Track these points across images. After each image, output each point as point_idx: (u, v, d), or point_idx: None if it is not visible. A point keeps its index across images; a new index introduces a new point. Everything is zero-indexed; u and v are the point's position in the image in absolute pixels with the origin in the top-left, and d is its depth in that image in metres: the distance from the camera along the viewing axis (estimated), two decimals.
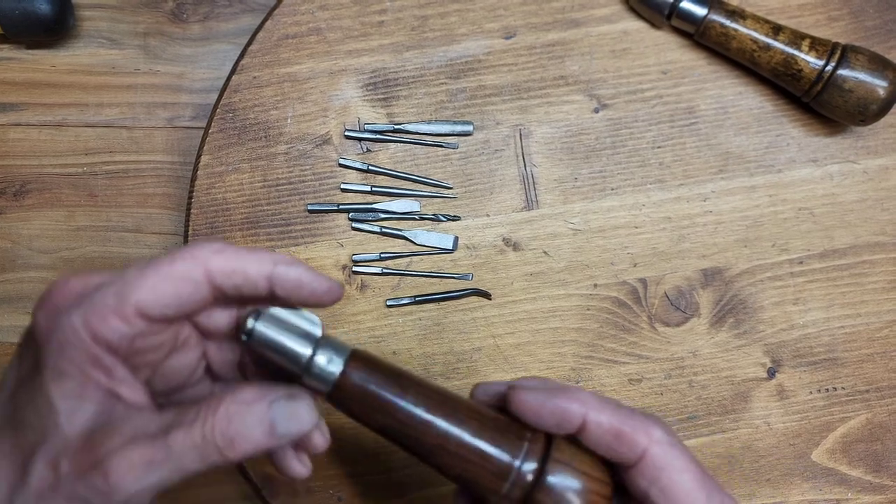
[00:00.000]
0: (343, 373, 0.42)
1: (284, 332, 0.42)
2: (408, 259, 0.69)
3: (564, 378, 0.69)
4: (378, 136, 0.69)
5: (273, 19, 0.70)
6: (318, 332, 0.43)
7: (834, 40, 0.67)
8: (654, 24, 0.71)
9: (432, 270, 0.69)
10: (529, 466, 0.42)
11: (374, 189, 0.68)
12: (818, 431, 0.69)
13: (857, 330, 0.70)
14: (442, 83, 0.70)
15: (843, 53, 0.65)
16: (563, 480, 0.41)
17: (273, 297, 0.41)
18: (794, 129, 0.71)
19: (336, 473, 0.68)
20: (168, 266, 0.38)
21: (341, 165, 0.69)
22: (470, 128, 0.69)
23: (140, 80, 0.74)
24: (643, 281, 0.69)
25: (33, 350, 0.37)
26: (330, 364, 0.42)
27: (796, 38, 0.66)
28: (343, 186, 0.68)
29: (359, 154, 0.69)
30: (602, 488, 0.42)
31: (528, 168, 0.70)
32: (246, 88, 0.69)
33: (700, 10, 0.67)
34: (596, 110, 0.70)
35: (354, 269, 0.68)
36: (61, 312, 0.36)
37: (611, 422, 0.41)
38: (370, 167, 0.69)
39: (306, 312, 0.43)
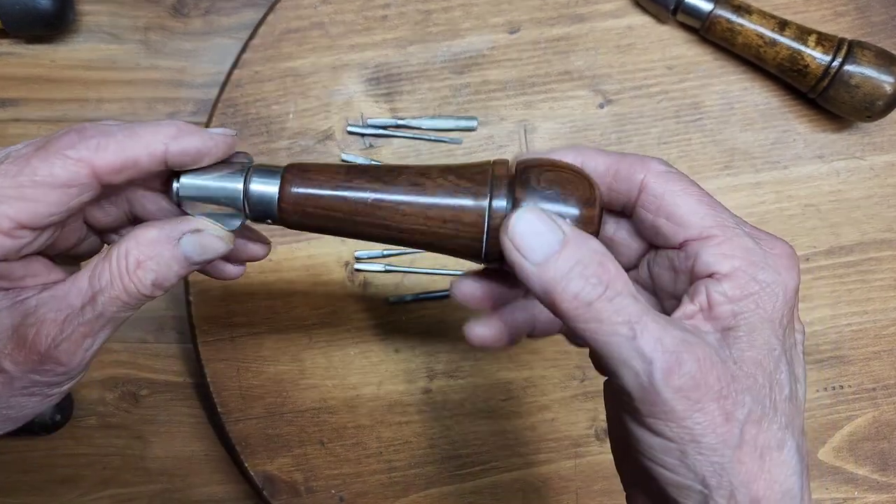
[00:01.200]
0: (281, 191, 0.39)
1: (211, 179, 0.39)
2: (410, 257, 0.68)
3: (569, 376, 0.68)
4: (381, 132, 0.68)
5: (275, 13, 0.69)
6: (244, 161, 0.41)
7: (840, 36, 0.66)
8: (659, 20, 0.70)
9: (435, 268, 0.68)
10: (500, 203, 0.38)
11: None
12: (824, 430, 0.69)
13: (863, 327, 0.69)
14: (446, 78, 0.69)
15: (850, 49, 0.65)
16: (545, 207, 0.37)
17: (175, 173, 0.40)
18: (800, 126, 0.71)
19: (337, 473, 0.67)
20: (47, 173, 0.36)
21: (344, 161, 0.68)
22: (474, 123, 0.69)
23: (140, 75, 0.73)
24: None
25: None
26: (266, 187, 0.39)
27: (802, 33, 0.66)
28: None
29: (361, 149, 0.69)
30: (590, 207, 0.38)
31: None
32: (247, 83, 0.69)
33: (706, 6, 0.67)
34: (601, 106, 0.70)
35: (357, 266, 0.68)
36: None
37: (607, 161, 0.40)
38: (373, 163, 0.68)
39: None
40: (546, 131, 0.69)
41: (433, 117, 0.69)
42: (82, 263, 0.44)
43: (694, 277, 0.38)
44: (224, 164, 0.40)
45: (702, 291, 0.37)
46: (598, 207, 0.38)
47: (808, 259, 0.69)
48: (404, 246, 0.41)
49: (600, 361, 0.35)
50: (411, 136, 0.69)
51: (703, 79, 0.70)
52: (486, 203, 0.38)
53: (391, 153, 0.69)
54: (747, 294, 0.36)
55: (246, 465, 0.67)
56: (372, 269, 0.68)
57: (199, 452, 0.72)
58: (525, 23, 0.70)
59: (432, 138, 0.69)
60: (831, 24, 0.71)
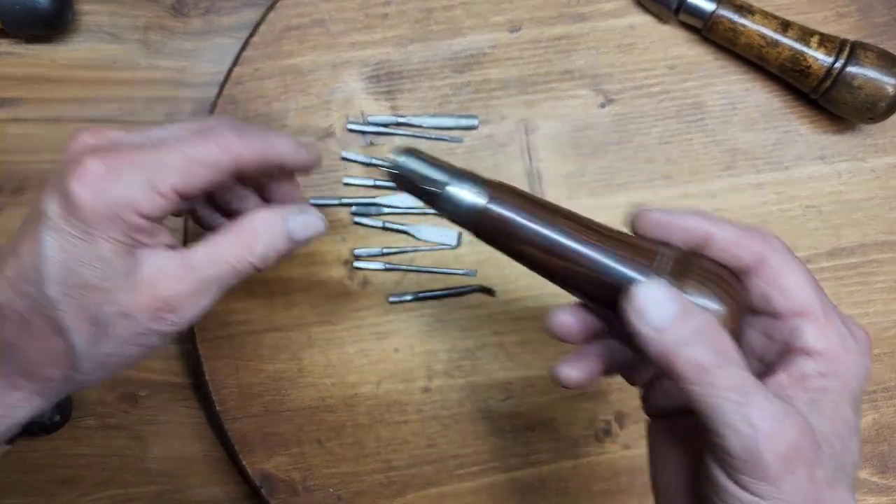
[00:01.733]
0: (488, 202, 0.43)
1: (428, 165, 0.45)
2: (410, 255, 0.68)
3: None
4: (381, 130, 0.68)
5: (276, 11, 0.69)
6: (454, 164, 0.45)
7: (842, 37, 0.66)
8: (661, 19, 0.70)
9: (435, 266, 0.68)
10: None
11: (376, 183, 0.68)
12: None
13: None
14: (446, 77, 0.69)
15: (852, 50, 0.65)
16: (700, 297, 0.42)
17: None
18: (802, 126, 0.70)
19: (335, 472, 0.67)
20: (201, 152, 0.45)
21: (344, 159, 0.68)
22: (475, 122, 0.69)
23: (140, 74, 0.73)
24: None
25: (76, 221, 0.42)
26: (472, 194, 0.43)
27: (805, 34, 0.66)
28: (345, 181, 0.68)
29: (362, 147, 0.69)
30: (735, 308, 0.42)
31: (533, 163, 0.69)
32: (248, 80, 0.69)
33: (708, 6, 0.67)
34: (602, 105, 0.70)
35: (356, 264, 0.68)
36: (105, 190, 0.42)
37: (734, 232, 0.44)
38: (373, 160, 0.68)
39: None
40: (547, 130, 0.69)
41: (434, 115, 0.69)
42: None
43: (790, 348, 0.42)
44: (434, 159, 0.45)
45: (797, 364, 0.41)
46: (739, 310, 0.42)
47: (808, 260, 0.69)
48: (543, 276, 0.46)
49: (703, 420, 0.39)
50: (412, 134, 0.69)
51: (705, 79, 0.70)
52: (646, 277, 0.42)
53: (391, 151, 0.69)
54: (836, 372, 0.41)
55: (244, 463, 0.67)
56: (371, 268, 0.68)
57: (198, 453, 0.72)
58: (526, 22, 0.70)
59: (433, 137, 0.69)
60: (834, 25, 0.71)
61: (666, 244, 0.44)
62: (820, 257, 0.69)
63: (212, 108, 0.69)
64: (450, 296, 0.68)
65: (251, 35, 0.69)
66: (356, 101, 0.69)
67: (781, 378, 0.41)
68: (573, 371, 0.47)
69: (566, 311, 0.48)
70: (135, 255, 0.44)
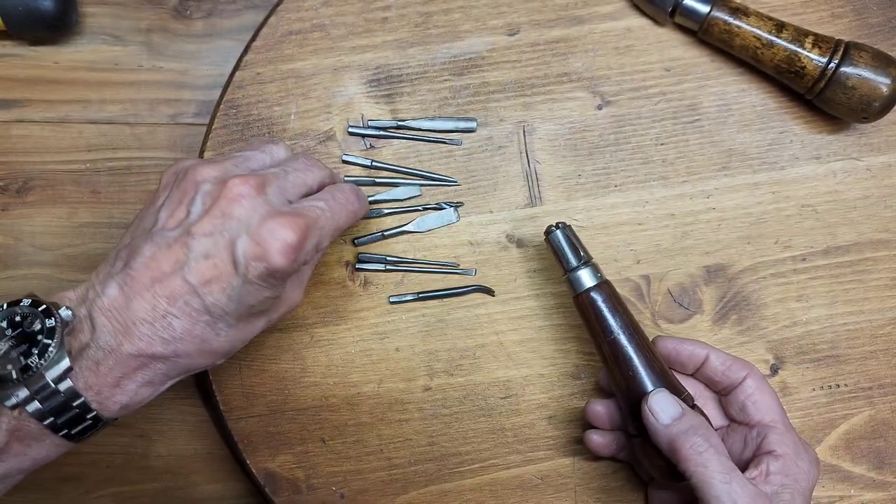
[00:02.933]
0: (587, 289, 0.60)
1: (569, 243, 0.61)
2: (411, 255, 0.69)
3: (567, 375, 0.69)
4: (381, 133, 0.69)
5: (276, 15, 0.70)
6: (588, 256, 0.61)
7: (837, 37, 0.67)
8: (657, 22, 0.71)
9: (435, 267, 0.69)
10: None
11: (377, 183, 0.68)
12: (821, 428, 0.69)
13: (860, 327, 0.70)
14: (445, 80, 0.70)
15: (847, 51, 0.65)
16: None
17: None
18: (797, 127, 0.71)
19: (338, 471, 0.68)
20: (345, 222, 0.57)
21: (345, 162, 0.69)
22: (473, 124, 0.69)
23: (143, 76, 0.74)
24: (646, 277, 0.69)
25: (268, 278, 0.51)
26: (584, 279, 0.60)
27: (799, 35, 0.66)
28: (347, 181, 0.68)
29: (362, 150, 0.69)
30: None
31: (531, 165, 0.70)
32: (249, 84, 0.69)
33: (703, 8, 0.67)
34: (599, 107, 0.70)
35: (357, 265, 0.68)
36: (296, 260, 0.51)
37: (724, 358, 0.61)
38: (374, 163, 0.69)
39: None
40: (545, 132, 0.70)
41: (433, 118, 0.69)
42: None
43: (759, 451, 0.57)
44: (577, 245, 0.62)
45: (764, 463, 0.56)
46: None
47: (804, 259, 0.70)
48: (601, 356, 0.61)
49: (697, 492, 0.52)
50: (411, 136, 0.69)
51: (701, 80, 0.71)
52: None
53: (391, 154, 0.69)
54: (792, 472, 0.55)
55: (248, 462, 0.67)
56: (372, 269, 0.68)
57: (201, 451, 0.72)
58: (524, 25, 0.70)
59: (432, 139, 0.69)
60: (829, 26, 0.71)
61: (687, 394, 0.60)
62: (815, 256, 0.70)
63: (213, 113, 0.69)
64: (450, 296, 0.69)
65: (252, 39, 0.69)
66: (356, 105, 0.69)
67: (753, 473, 0.55)
68: (599, 439, 0.64)
69: (599, 403, 0.63)
70: (286, 284, 0.55)
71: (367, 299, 0.68)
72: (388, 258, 0.68)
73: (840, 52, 0.65)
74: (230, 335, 0.52)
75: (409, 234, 0.69)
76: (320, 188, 0.57)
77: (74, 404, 0.48)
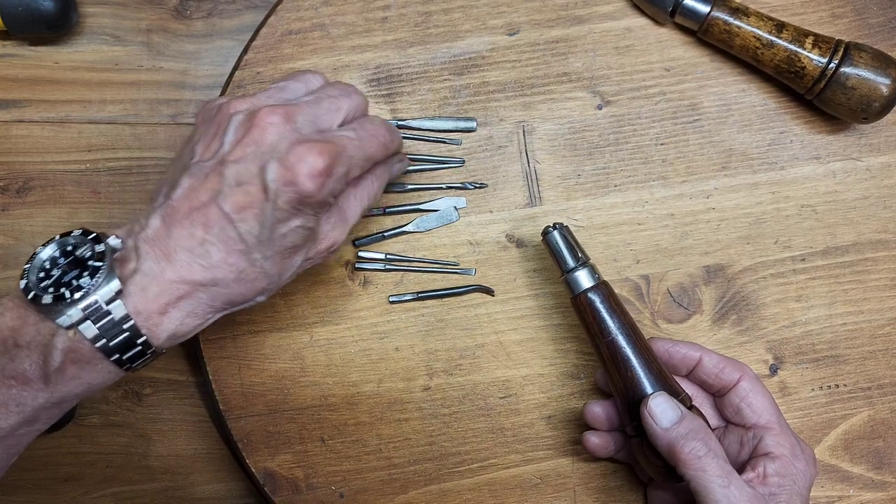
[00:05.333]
0: (585, 290, 0.60)
1: (564, 246, 0.61)
2: (411, 254, 0.69)
3: (567, 375, 0.69)
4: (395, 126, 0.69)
5: (276, 15, 0.70)
6: (586, 257, 0.61)
7: (837, 38, 0.67)
8: (657, 21, 0.71)
9: (435, 267, 0.69)
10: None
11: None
12: (820, 428, 0.69)
13: (859, 327, 0.70)
14: (445, 79, 0.70)
15: (847, 51, 0.65)
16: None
17: None
18: (797, 127, 0.71)
19: (337, 470, 0.68)
20: (375, 153, 0.57)
21: None
22: (473, 124, 0.69)
23: (143, 76, 0.74)
24: (646, 277, 0.69)
25: (297, 204, 0.51)
26: (582, 280, 0.60)
27: (799, 35, 0.66)
28: None
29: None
30: None
31: (531, 164, 0.70)
32: (249, 84, 0.69)
33: (703, 8, 0.67)
34: (599, 107, 0.70)
35: (357, 265, 0.68)
36: (324, 185, 0.51)
37: (718, 360, 0.62)
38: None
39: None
40: (545, 132, 0.70)
41: (433, 118, 0.69)
42: None
43: (756, 453, 0.58)
44: (576, 249, 0.61)
45: (760, 465, 0.56)
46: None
47: (804, 259, 0.70)
48: (599, 357, 0.61)
49: (696, 495, 0.53)
50: (412, 136, 0.69)
51: (701, 80, 0.71)
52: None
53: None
54: (789, 473, 0.56)
55: (247, 461, 0.67)
56: (372, 268, 0.69)
57: (201, 450, 0.72)
58: (524, 24, 0.70)
59: (432, 139, 0.69)
60: (829, 26, 0.71)
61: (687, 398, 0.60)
62: (815, 256, 0.70)
63: None
64: (450, 295, 0.69)
65: (252, 39, 0.70)
66: None
67: (750, 475, 0.56)
68: (597, 440, 0.64)
69: (597, 405, 0.64)
70: (320, 218, 0.55)
71: (367, 299, 0.69)
72: (388, 256, 0.68)
73: (840, 53, 0.65)
74: (266, 267, 0.53)
75: (409, 234, 0.69)
76: (355, 117, 0.57)
77: (125, 326, 0.49)
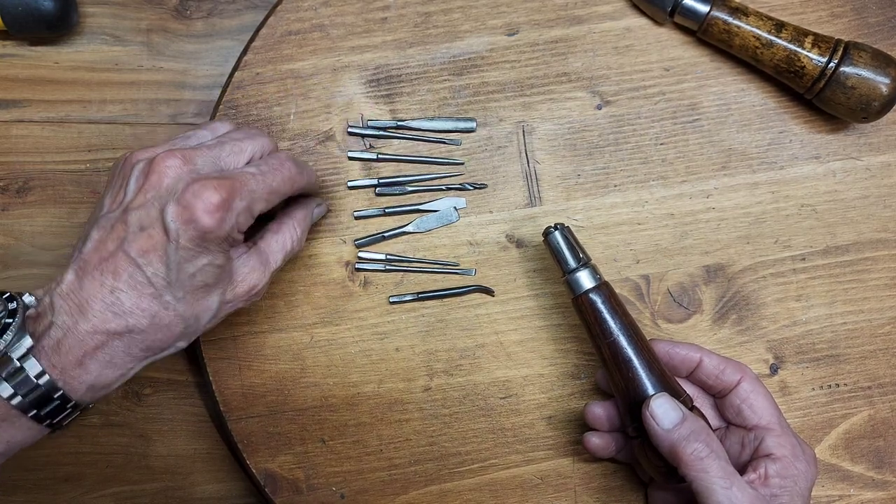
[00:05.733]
0: (586, 291, 0.60)
1: (567, 245, 0.61)
2: (411, 254, 0.69)
3: (567, 375, 0.69)
4: (381, 133, 0.69)
5: (276, 16, 0.70)
6: (587, 257, 0.61)
7: (837, 37, 0.67)
8: (656, 21, 0.71)
9: (435, 267, 0.69)
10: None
11: (380, 181, 0.69)
12: (820, 428, 0.69)
13: (859, 326, 0.70)
14: (445, 80, 0.70)
15: (846, 50, 0.65)
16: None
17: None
18: (797, 126, 0.71)
19: (338, 471, 0.68)
20: (280, 186, 0.57)
21: (351, 158, 0.69)
22: (473, 124, 0.69)
23: (143, 76, 0.74)
24: (646, 277, 0.69)
25: (200, 242, 0.51)
26: (583, 280, 0.60)
27: (799, 35, 0.66)
28: (350, 183, 0.69)
29: (362, 150, 0.69)
30: None
31: (531, 165, 0.70)
32: (249, 85, 0.69)
33: (703, 7, 0.67)
34: (599, 107, 0.70)
35: (357, 265, 0.68)
36: (225, 219, 0.52)
37: (718, 361, 0.62)
38: (379, 156, 0.69)
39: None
40: (544, 132, 0.70)
41: (432, 119, 0.69)
42: None
43: (757, 454, 0.58)
44: (576, 249, 0.61)
45: (762, 466, 0.57)
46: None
47: (804, 259, 0.70)
48: (601, 356, 0.61)
49: (698, 496, 0.53)
50: (411, 136, 0.69)
51: (701, 80, 0.71)
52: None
53: (391, 153, 0.69)
54: (790, 474, 0.56)
55: (248, 462, 0.67)
56: (372, 269, 0.69)
57: (201, 450, 0.72)
58: (523, 25, 0.70)
59: (432, 139, 0.69)
60: (828, 26, 0.71)
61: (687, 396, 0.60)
62: (815, 255, 0.70)
63: (213, 114, 0.69)
64: (450, 296, 0.69)
65: (251, 40, 0.69)
66: (356, 105, 0.69)
67: (751, 476, 0.56)
68: (598, 440, 0.64)
69: (598, 405, 0.64)
70: (230, 257, 0.56)
71: (367, 299, 0.69)
72: (388, 257, 0.68)
73: (839, 52, 0.65)
74: (179, 309, 0.53)
75: (409, 235, 0.69)
76: (262, 157, 0.58)
77: (41, 382, 0.49)
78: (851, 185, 0.71)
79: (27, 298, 0.51)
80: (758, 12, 0.67)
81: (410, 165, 0.69)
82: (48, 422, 0.51)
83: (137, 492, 0.72)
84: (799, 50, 0.66)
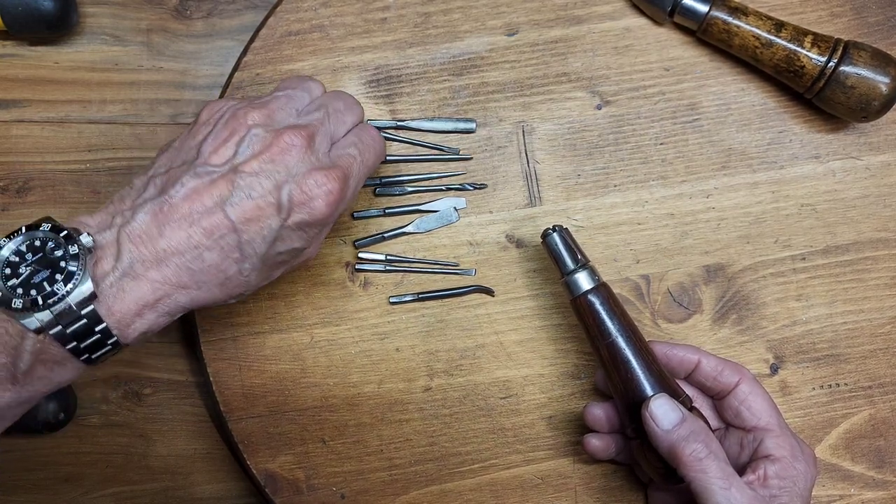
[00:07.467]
0: (585, 292, 0.60)
1: (563, 247, 0.61)
2: (411, 254, 0.69)
3: (567, 375, 0.69)
4: (381, 133, 0.69)
5: (276, 16, 0.70)
6: (585, 259, 0.61)
7: (836, 36, 0.67)
8: (656, 21, 0.71)
9: (435, 267, 0.69)
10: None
11: (382, 181, 0.69)
12: (821, 427, 0.69)
13: (859, 326, 0.70)
14: (445, 80, 0.70)
15: (846, 50, 0.65)
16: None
17: None
18: (797, 126, 0.71)
19: (338, 471, 0.68)
20: (374, 164, 0.59)
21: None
22: (473, 125, 0.69)
23: (143, 76, 0.74)
24: (646, 277, 0.69)
25: (304, 225, 0.53)
26: (582, 282, 0.60)
27: (798, 34, 0.66)
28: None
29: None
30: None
31: (530, 165, 0.70)
32: (249, 85, 0.69)
33: (702, 7, 0.67)
34: (598, 107, 0.70)
35: (357, 266, 0.68)
36: (335, 211, 0.53)
37: (716, 363, 0.61)
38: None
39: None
40: (544, 133, 0.70)
41: (432, 119, 0.69)
42: None
43: (756, 455, 0.58)
44: (573, 248, 0.61)
45: (761, 467, 0.57)
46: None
47: (804, 258, 0.70)
48: (598, 357, 0.61)
49: (697, 497, 0.53)
50: (411, 140, 0.69)
51: (700, 80, 0.71)
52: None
53: (391, 153, 0.69)
54: (789, 475, 0.56)
55: (248, 463, 0.67)
56: (372, 269, 0.69)
57: (201, 450, 0.72)
58: (523, 25, 0.70)
59: (431, 144, 0.69)
60: (828, 25, 0.71)
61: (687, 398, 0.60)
62: (815, 255, 0.70)
63: None
64: (450, 296, 0.69)
65: (251, 40, 0.70)
66: None
67: (750, 477, 0.56)
68: (598, 442, 0.63)
69: (597, 407, 0.64)
70: (316, 237, 0.56)
71: (368, 300, 0.69)
72: (388, 257, 0.68)
73: (839, 52, 0.65)
74: (251, 277, 0.53)
75: (409, 235, 0.69)
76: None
77: (97, 329, 0.48)
78: (851, 184, 0.71)
79: (85, 239, 0.49)
80: (757, 12, 0.67)
81: (410, 165, 0.69)
82: (93, 363, 0.50)
83: (137, 492, 0.72)
84: (798, 49, 0.66)
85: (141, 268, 0.49)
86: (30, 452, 0.72)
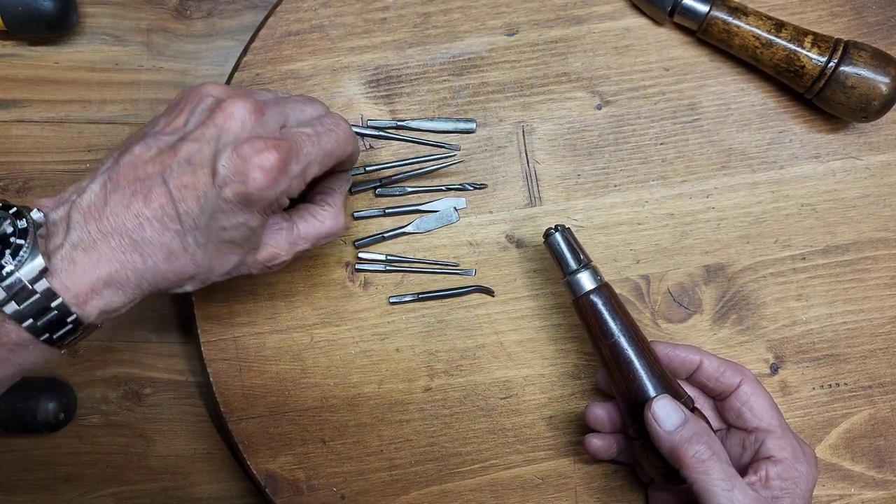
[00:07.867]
0: (587, 292, 0.60)
1: (565, 247, 0.61)
2: (411, 254, 0.69)
3: (567, 375, 0.69)
4: (381, 134, 0.69)
5: (276, 16, 0.70)
6: (588, 259, 0.61)
7: (836, 36, 0.67)
8: (656, 21, 0.71)
9: (435, 268, 0.69)
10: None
11: (382, 181, 0.69)
12: (821, 427, 0.69)
13: (859, 326, 0.70)
14: (445, 80, 0.70)
15: (846, 50, 0.65)
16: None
17: None
18: (797, 126, 0.71)
19: (339, 471, 0.68)
20: (335, 149, 0.56)
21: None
22: (473, 125, 0.69)
23: (143, 76, 0.74)
24: (646, 277, 0.69)
25: (245, 199, 0.50)
26: (586, 281, 0.60)
27: (798, 34, 0.66)
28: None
29: (361, 151, 0.69)
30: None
31: (530, 165, 0.70)
32: (249, 85, 0.69)
33: (702, 7, 0.67)
34: (598, 107, 0.70)
35: (357, 266, 0.68)
36: (277, 183, 0.51)
37: (718, 363, 0.61)
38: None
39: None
40: (544, 133, 0.70)
41: (432, 119, 0.69)
42: None
43: (758, 456, 0.58)
44: (577, 250, 0.61)
45: (762, 468, 0.57)
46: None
47: (804, 258, 0.70)
48: (601, 358, 0.61)
49: (700, 498, 0.53)
50: (410, 139, 0.69)
51: (700, 80, 0.71)
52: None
53: (391, 154, 0.69)
54: (791, 476, 0.56)
55: (248, 463, 0.67)
56: (372, 269, 0.69)
57: (201, 451, 0.72)
58: (523, 25, 0.70)
59: (431, 143, 0.69)
60: (828, 25, 0.71)
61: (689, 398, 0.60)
62: (815, 255, 0.70)
63: None
64: (450, 296, 0.69)
65: (251, 41, 0.69)
66: (356, 106, 0.69)
67: (752, 478, 0.56)
68: (599, 442, 0.64)
69: (599, 407, 0.63)
70: (266, 222, 0.54)
71: (368, 300, 0.69)
72: (388, 257, 0.68)
73: (839, 52, 0.65)
74: (197, 255, 0.51)
75: (409, 235, 0.69)
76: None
77: (53, 305, 0.48)
78: (851, 184, 0.71)
79: (35, 215, 0.49)
80: (757, 12, 0.67)
81: (410, 165, 0.69)
82: (60, 344, 0.49)
83: (137, 492, 0.72)
84: (798, 49, 0.66)
85: (88, 239, 0.49)
86: (30, 452, 0.72)
